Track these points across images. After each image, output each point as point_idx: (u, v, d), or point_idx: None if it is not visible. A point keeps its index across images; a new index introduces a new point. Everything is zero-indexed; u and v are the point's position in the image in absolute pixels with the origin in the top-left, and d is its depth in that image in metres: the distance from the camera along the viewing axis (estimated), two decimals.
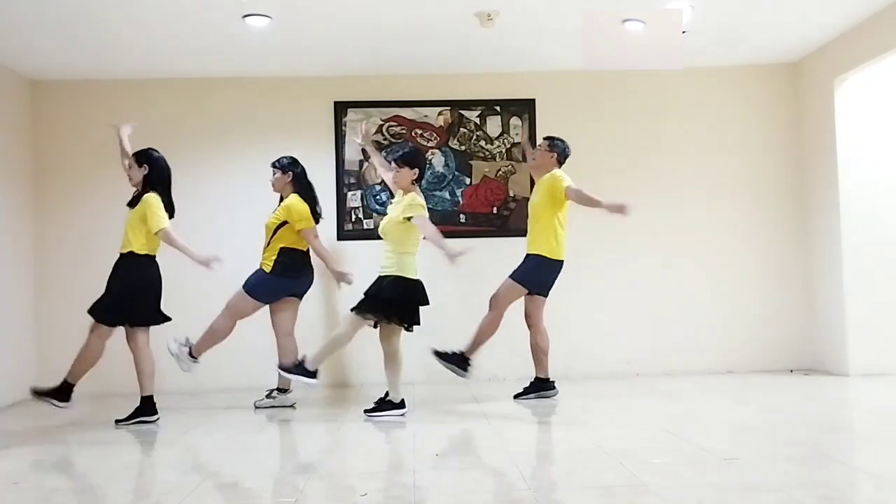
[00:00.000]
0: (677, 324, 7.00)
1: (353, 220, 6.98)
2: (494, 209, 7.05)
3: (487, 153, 7.08)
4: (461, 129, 7.08)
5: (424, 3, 5.51)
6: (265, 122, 6.98)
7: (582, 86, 7.10)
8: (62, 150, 6.90)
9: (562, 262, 5.71)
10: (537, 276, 5.71)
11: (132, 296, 5.24)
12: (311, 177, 5.96)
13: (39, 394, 5.29)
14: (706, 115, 7.16)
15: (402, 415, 5.25)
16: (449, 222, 6.82)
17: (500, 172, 7.06)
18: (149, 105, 6.95)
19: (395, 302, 5.21)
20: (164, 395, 5.67)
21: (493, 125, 7.09)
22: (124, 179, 5.62)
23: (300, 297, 5.89)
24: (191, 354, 5.64)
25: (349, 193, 6.99)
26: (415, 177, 5.39)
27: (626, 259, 7.02)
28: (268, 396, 5.83)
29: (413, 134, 7.05)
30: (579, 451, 4.27)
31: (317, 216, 5.83)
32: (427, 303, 5.32)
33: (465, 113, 7.08)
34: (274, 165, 5.88)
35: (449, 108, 7.08)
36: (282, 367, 5.42)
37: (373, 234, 6.85)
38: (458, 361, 5.63)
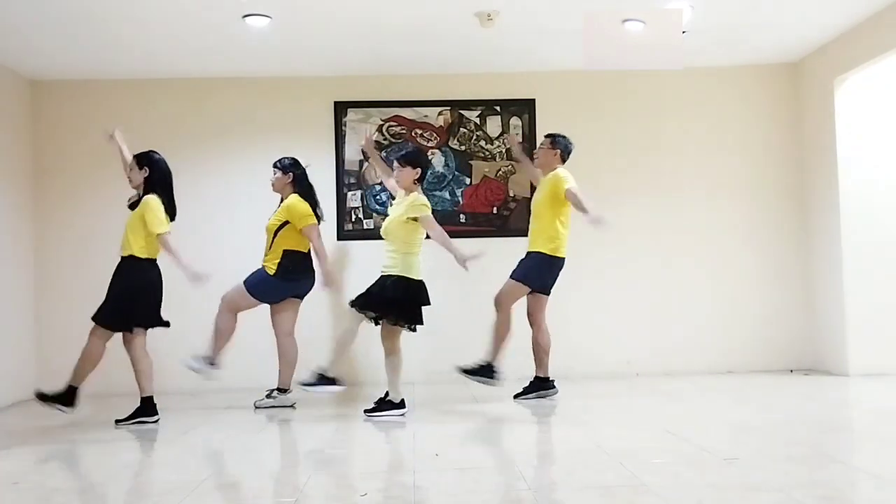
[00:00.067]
0: (677, 324, 7.01)
1: (353, 220, 6.98)
2: (494, 209, 7.05)
3: (487, 153, 7.08)
4: (461, 129, 7.08)
5: (424, 3, 5.51)
6: (265, 122, 6.98)
7: (582, 86, 7.10)
8: (62, 150, 6.90)
9: (563, 259, 5.71)
10: (538, 274, 5.71)
11: (132, 298, 5.23)
12: (311, 177, 5.96)
13: (45, 398, 5.28)
14: (706, 115, 7.16)
15: (402, 415, 5.25)
16: (449, 222, 6.80)
17: (500, 172, 7.06)
18: (149, 105, 6.95)
19: (398, 302, 5.20)
20: (164, 395, 5.66)
21: (493, 125, 7.09)
22: (124, 180, 5.62)
23: (301, 297, 5.89)
24: (211, 364, 5.66)
25: (349, 193, 6.99)
26: (416, 176, 5.38)
27: (626, 259, 7.02)
28: (268, 396, 5.83)
29: (413, 134, 7.05)
30: (579, 451, 4.27)
31: (317, 218, 5.83)
32: (429, 303, 5.31)
33: (465, 113, 7.09)
34: (275, 166, 5.88)
35: (449, 108, 7.08)
36: (304, 384, 5.36)
37: (373, 234, 6.85)
38: (484, 372, 5.64)
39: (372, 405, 5.33)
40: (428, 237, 5.37)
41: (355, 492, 3.47)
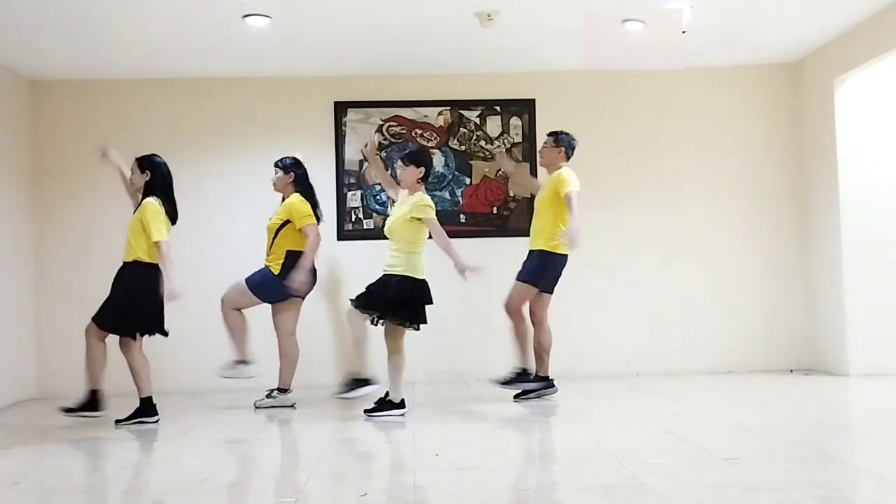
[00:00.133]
0: (677, 324, 7.00)
1: (353, 220, 6.98)
2: (494, 209, 7.05)
3: (487, 153, 7.08)
4: (461, 129, 7.08)
5: (424, 3, 5.51)
6: (265, 122, 6.98)
7: (582, 86, 7.10)
8: (62, 150, 6.89)
9: (565, 256, 5.70)
10: (543, 273, 5.69)
11: (135, 303, 5.19)
12: (311, 177, 5.96)
13: (71, 411, 5.28)
14: (706, 115, 7.16)
15: (403, 415, 5.25)
16: (449, 222, 6.79)
17: (500, 172, 7.05)
18: (149, 105, 6.95)
19: (403, 302, 5.18)
20: (164, 395, 5.66)
21: (493, 125, 7.09)
22: (124, 162, 5.62)
23: (303, 297, 5.88)
24: (243, 363, 5.69)
25: (349, 193, 6.99)
26: (420, 175, 5.37)
27: (626, 259, 7.02)
28: (268, 396, 5.83)
29: (413, 134, 7.05)
30: (579, 451, 4.27)
31: (317, 218, 5.82)
32: (432, 302, 5.30)
33: (465, 113, 7.09)
34: (276, 165, 5.88)
35: (449, 108, 7.08)
36: (340, 395, 5.33)
37: (373, 234, 6.86)
38: (521, 379, 5.68)
39: (372, 405, 5.32)
40: (454, 235, 5.36)
41: (355, 492, 3.47)
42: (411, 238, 5.25)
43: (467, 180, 7.06)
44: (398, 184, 5.64)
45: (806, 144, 7.04)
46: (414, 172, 5.37)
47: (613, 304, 7.00)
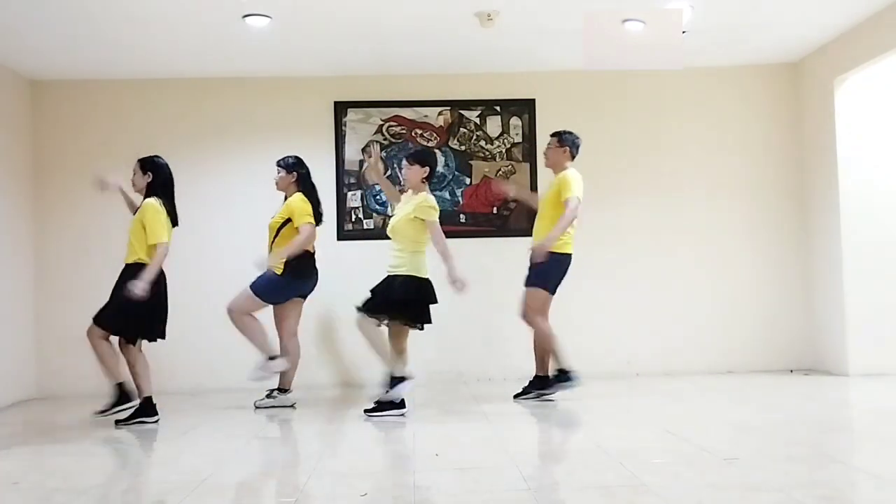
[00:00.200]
0: (677, 324, 7.01)
1: (353, 220, 6.98)
2: (494, 209, 7.05)
3: (487, 153, 7.08)
4: (461, 129, 7.08)
5: (424, 3, 5.51)
6: (265, 123, 6.98)
7: (582, 86, 7.10)
8: (62, 150, 6.90)
9: (569, 255, 5.69)
10: (551, 275, 5.68)
11: (138, 307, 5.18)
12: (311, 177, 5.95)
13: (105, 412, 5.25)
14: (706, 115, 7.16)
15: (402, 415, 5.25)
16: (449, 222, 6.80)
17: (500, 172, 7.06)
18: (149, 105, 6.95)
19: (409, 302, 5.17)
20: (164, 395, 5.67)
21: (493, 125, 7.09)
22: (124, 180, 5.61)
23: (305, 297, 5.88)
24: (271, 359, 5.66)
25: (349, 193, 6.99)
26: (425, 175, 5.36)
27: (626, 259, 7.02)
28: (268, 396, 5.83)
29: (413, 134, 7.05)
30: (579, 451, 4.27)
31: (319, 218, 5.81)
32: (436, 301, 5.27)
33: (465, 113, 7.09)
34: (279, 164, 5.85)
35: (449, 108, 7.08)
36: (372, 413, 5.25)
37: (373, 234, 6.86)
38: (560, 380, 5.67)
39: (372, 405, 5.32)
40: (453, 235, 5.35)
41: (355, 492, 3.46)
42: (415, 238, 5.23)
43: (467, 180, 7.06)
44: (397, 184, 5.63)
45: (806, 144, 7.05)
46: (418, 172, 5.35)
47: (613, 304, 7.00)
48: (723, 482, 3.47)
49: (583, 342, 6.84)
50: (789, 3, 5.71)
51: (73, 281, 6.75)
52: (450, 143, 7.05)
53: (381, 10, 5.58)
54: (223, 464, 4.15)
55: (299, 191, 5.77)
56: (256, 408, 5.77)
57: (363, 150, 6.95)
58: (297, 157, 5.87)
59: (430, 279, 5.28)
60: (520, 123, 7.09)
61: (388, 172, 6.99)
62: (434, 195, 6.85)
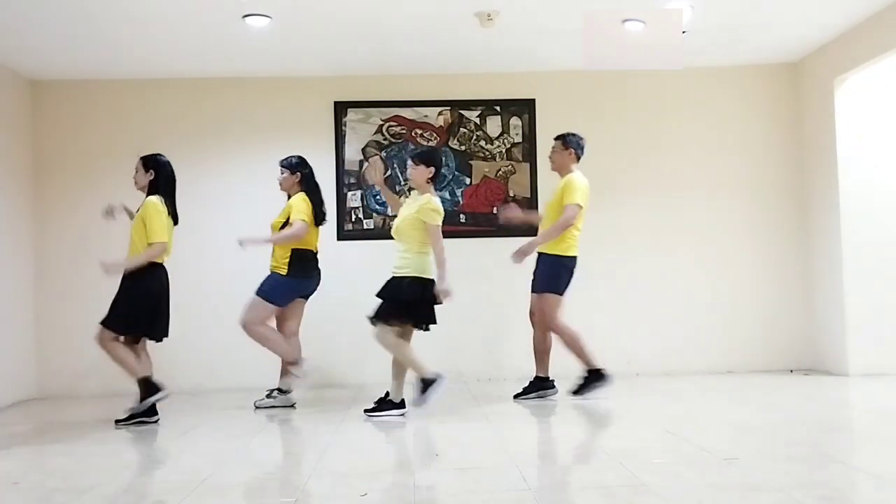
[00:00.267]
0: (677, 324, 7.01)
1: (353, 220, 6.98)
2: (494, 209, 7.04)
3: (487, 153, 7.08)
4: (461, 129, 7.08)
5: (424, 4, 5.51)
6: (265, 123, 6.98)
7: (582, 86, 7.10)
8: (62, 150, 6.90)
9: (575, 258, 5.70)
10: (559, 278, 5.68)
11: (144, 306, 5.16)
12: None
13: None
14: (706, 115, 7.16)
15: (402, 415, 5.25)
16: (449, 222, 6.78)
17: (500, 172, 7.06)
18: (149, 105, 6.95)
19: (415, 304, 5.14)
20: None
21: (493, 125, 7.09)
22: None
23: (307, 297, 5.87)
24: (293, 364, 5.67)
25: (349, 193, 6.99)
26: (430, 175, 5.31)
27: (626, 259, 7.02)
28: (268, 396, 5.83)
29: (413, 134, 7.05)
30: (579, 451, 4.27)
31: (321, 217, 5.79)
32: (441, 301, 5.27)
33: (465, 113, 7.09)
34: (282, 164, 5.82)
35: (449, 108, 7.08)
36: (416, 404, 5.21)
37: (373, 234, 6.87)
38: (591, 381, 5.70)
39: (372, 405, 5.32)
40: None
41: (355, 492, 3.46)
42: (419, 238, 5.18)
43: (467, 180, 7.06)
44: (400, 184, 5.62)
45: (806, 144, 7.05)
46: (423, 172, 5.32)
47: (613, 304, 7.00)
48: (723, 482, 3.47)
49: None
50: (789, 3, 5.71)
51: (73, 281, 6.75)
52: (450, 143, 7.05)
53: (381, 10, 5.58)
54: (223, 464, 4.15)
55: (302, 190, 5.74)
56: (256, 408, 5.77)
57: (363, 159, 6.94)
58: (300, 157, 5.84)
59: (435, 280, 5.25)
60: (520, 123, 7.09)
61: (389, 173, 6.99)
62: None
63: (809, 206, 7.01)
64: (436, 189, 6.90)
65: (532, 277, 5.82)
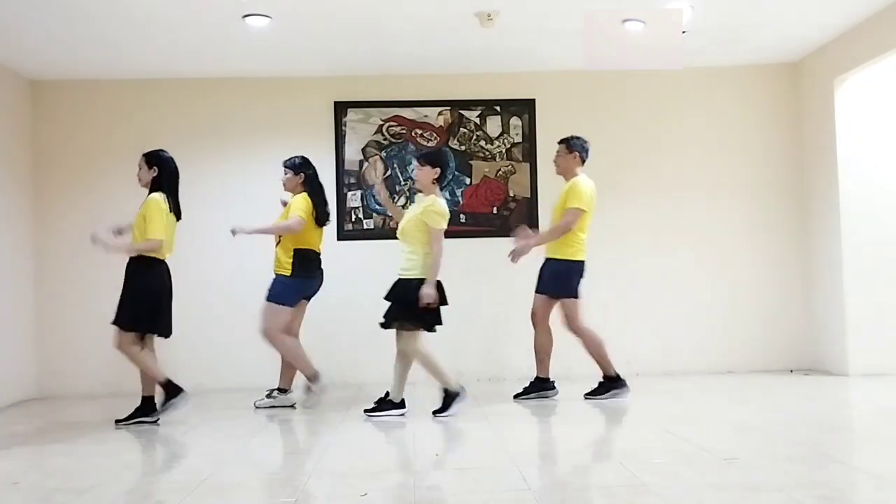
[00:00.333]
0: (677, 324, 7.01)
1: (353, 220, 6.98)
2: (494, 209, 7.04)
3: (487, 153, 7.08)
4: (461, 129, 7.08)
5: (424, 4, 5.51)
6: (265, 123, 6.97)
7: (582, 86, 7.10)
8: (62, 150, 6.90)
9: (583, 262, 5.71)
10: (570, 282, 5.68)
11: (151, 302, 5.15)
12: None
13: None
14: (706, 115, 7.16)
15: (402, 415, 5.24)
16: (449, 222, 6.80)
17: (500, 172, 7.06)
18: (148, 105, 6.95)
19: (427, 305, 5.10)
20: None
21: (493, 125, 7.09)
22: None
23: (309, 298, 5.85)
24: (314, 380, 5.63)
25: (349, 193, 6.99)
26: (436, 176, 5.29)
27: (626, 259, 7.02)
28: (268, 396, 5.82)
29: (413, 134, 7.05)
30: (579, 451, 4.27)
31: (325, 217, 5.77)
32: (447, 302, 5.22)
33: (465, 113, 7.08)
34: (286, 165, 5.79)
35: (449, 108, 7.08)
36: (437, 412, 5.19)
37: (373, 234, 6.87)
38: (608, 387, 5.72)
39: (372, 405, 5.32)
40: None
41: (355, 492, 3.46)
42: (425, 240, 5.15)
43: (467, 180, 7.06)
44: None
45: (806, 144, 7.04)
46: (429, 173, 5.30)
47: (613, 304, 6.98)
48: (723, 482, 3.47)
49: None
50: (789, 3, 5.71)
51: (74, 281, 6.75)
52: (450, 143, 7.05)
53: (381, 10, 5.58)
54: (223, 464, 4.15)
55: (305, 191, 5.72)
56: (256, 408, 5.77)
57: (363, 159, 6.94)
58: (303, 158, 5.80)
59: (441, 281, 5.24)
60: (520, 123, 7.09)
61: (388, 173, 6.99)
62: None
63: (809, 206, 7.01)
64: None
65: (538, 279, 5.80)
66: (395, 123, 7.04)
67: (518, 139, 7.07)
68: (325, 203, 5.80)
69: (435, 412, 5.19)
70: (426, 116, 7.06)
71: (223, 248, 6.77)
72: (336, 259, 6.62)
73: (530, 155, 7.05)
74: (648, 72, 6.98)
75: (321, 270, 5.80)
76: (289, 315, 5.65)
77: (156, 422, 5.23)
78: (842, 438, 4.54)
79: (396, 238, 5.35)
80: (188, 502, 3.38)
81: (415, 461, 4.16)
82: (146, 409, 5.25)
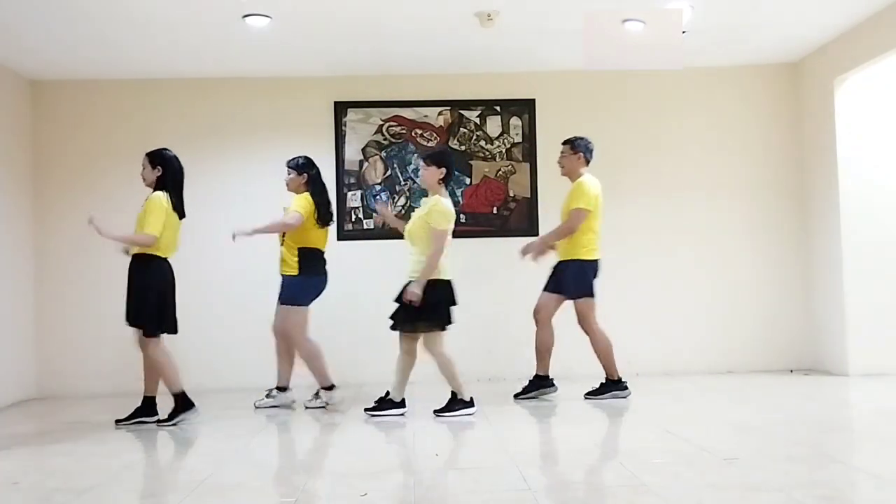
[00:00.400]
0: (677, 324, 7.01)
1: (353, 220, 6.98)
2: (494, 209, 7.04)
3: (487, 153, 7.08)
4: (461, 129, 7.08)
5: (424, 4, 5.51)
6: (265, 123, 6.97)
7: (582, 86, 7.09)
8: (62, 150, 6.89)
9: (597, 261, 5.73)
10: (586, 278, 5.70)
11: (158, 300, 5.14)
12: None
13: (165, 421, 5.18)
14: (706, 115, 7.15)
15: (402, 414, 5.24)
16: None
17: (500, 172, 7.06)
18: (148, 105, 6.95)
19: (437, 305, 5.10)
20: (164, 395, 5.65)
21: (493, 125, 7.09)
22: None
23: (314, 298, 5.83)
24: (328, 389, 5.62)
25: (349, 193, 6.99)
26: (441, 176, 5.29)
27: (626, 259, 7.02)
28: (267, 396, 5.82)
29: (413, 134, 7.05)
30: (579, 451, 4.27)
31: (328, 218, 5.76)
32: (456, 302, 5.20)
33: (465, 113, 7.08)
34: (289, 165, 5.76)
35: (449, 108, 7.08)
36: (439, 414, 5.18)
37: (373, 234, 6.87)
38: (611, 388, 5.74)
39: (372, 404, 5.32)
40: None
41: (355, 492, 3.46)
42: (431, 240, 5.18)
43: (467, 180, 7.06)
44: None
45: (806, 144, 7.04)
46: (435, 173, 5.29)
47: (613, 304, 6.97)
48: (723, 482, 3.47)
49: (582, 342, 6.84)
50: (789, 3, 5.71)
51: (74, 281, 6.75)
52: (450, 143, 7.05)
53: (381, 10, 5.58)
54: (223, 464, 4.15)
55: (308, 191, 5.71)
56: (256, 408, 5.76)
57: (363, 159, 6.94)
58: (306, 158, 5.78)
59: (451, 280, 5.22)
60: (520, 123, 7.09)
61: (388, 173, 7.00)
62: None
63: (809, 206, 7.01)
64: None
65: (549, 279, 5.80)
66: (395, 123, 7.04)
67: (518, 139, 7.07)
68: (329, 203, 5.80)
69: (437, 411, 5.19)
70: (426, 116, 7.06)
71: (223, 248, 6.76)
72: (336, 259, 6.60)
73: (530, 155, 7.05)
74: (648, 72, 6.98)
75: (326, 271, 5.78)
76: (306, 314, 5.64)
77: (156, 422, 5.23)
78: (842, 438, 4.54)
79: (396, 238, 5.35)
80: (188, 502, 3.38)
81: (415, 461, 4.16)
82: (147, 409, 5.25)
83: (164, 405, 5.39)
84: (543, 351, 5.81)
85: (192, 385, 6.52)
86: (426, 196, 5.61)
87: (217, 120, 6.97)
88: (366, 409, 5.29)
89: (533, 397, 5.80)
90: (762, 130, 7.16)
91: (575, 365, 6.72)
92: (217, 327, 6.74)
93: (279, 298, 5.66)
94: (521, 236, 6.48)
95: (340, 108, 7.01)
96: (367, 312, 6.66)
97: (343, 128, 7.01)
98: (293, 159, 5.78)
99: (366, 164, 6.96)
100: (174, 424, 5.15)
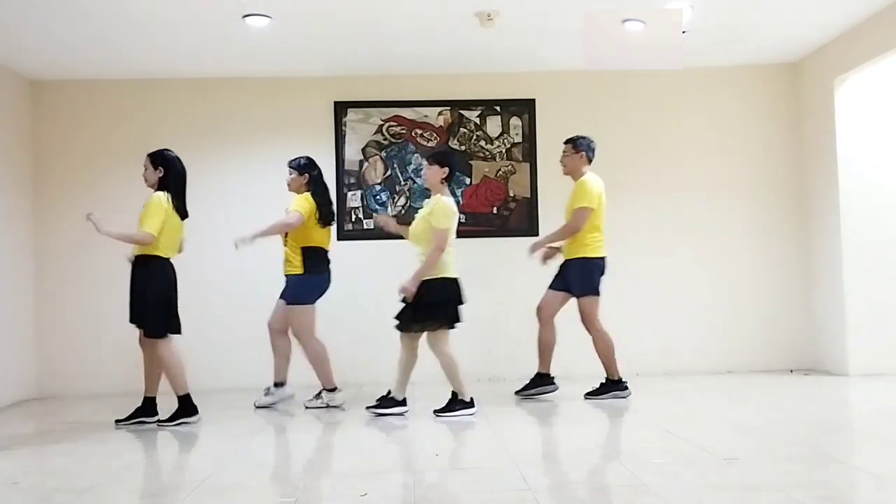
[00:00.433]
0: (677, 324, 7.00)
1: (353, 220, 6.98)
2: (494, 209, 7.04)
3: (487, 153, 7.08)
4: (461, 129, 7.08)
5: (424, 4, 5.51)
6: (265, 123, 6.97)
7: (582, 86, 7.09)
8: (62, 150, 6.90)
9: (603, 258, 5.74)
10: (592, 276, 5.71)
11: (163, 302, 5.14)
12: None
13: (165, 422, 5.18)
14: (706, 115, 7.15)
15: (403, 413, 5.25)
16: None
17: (500, 172, 7.06)
18: (148, 105, 6.95)
19: (445, 304, 5.10)
20: (164, 395, 5.65)
21: (493, 125, 7.09)
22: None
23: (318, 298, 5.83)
24: (331, 391, 5.62)
25: (349, 193, 6.99)
26: (444, 175, 5.29)
27: (626, 259, 7.00)
28: (266, 395, 5.82)
29: (413, 134, 7.04)
30: (579, 451, 4.27)
31: (330, 217, 5.76)
32: (464, 301, 5.20)
33: (465, 113, 7.08)
34: (290, 165, 5.76)
35: (449, 108, 7.08)
36: (439, 414, 5.19)
37: (373, 234, 6.86)
38: (611, 388, 5.75)
39: (374, 402, 5.31)
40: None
41: (355, 492, 3.46)
42: None
43: (467, 180, 7.06)
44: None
45: (806, 144, 7.04)
46: (437, 172, 5.30)
47: (613, 304, 6.97)
48: (723, 482, 3.47)
49: (582, 342, 6.84)
50: (789, 3, 5.71)
51: (74, 281, 6.75)
52: (450, 143, 7.05)
53: (381, 10, 5.58)
54: (223, 464, 4.15)
55: (309, 191, 5.70)
56: (256, 408, 5.76)
57: (363, 159, 6.93)
58: (308, 158, 5.78)
59: (458, 279, 5.21)
60: (520, 123, 7.09)
61: (388, 172, 7.00)
62: None
63: (809, 206, 7.01)
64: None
65: (555, 277, 5.80)
66: (395, 123, 7.04)
67: (518, 139, 7.07)
68: (330, 203, 5.80)
69: (437, 411, 5.19)
70: (426, 116, 7.06)
71: (223, 248, 6.75)
72: (336, 259, 6.60)
73: (530, 155, 7.05)
74: (648, 72, 6.98)
75: (329, 270, 5.77)
76: (313, 314, 5.64)
77: (156, 422, 5.23)
78: (842, 438, 4.54)
79: (396, 238, 5.35)
80: (188, 502, 3.38)
81: (415, 461, 4.16)
82: (147, 410, 5.25)
83: (165, 405, 5.39)
84: (545, 349, 5.82)
85: (193, 385, 6.54)
86: (427, 196, 5.60)
87: (217, 120, 6.97)
88: (368, 407, 5.30)
89: (533, 395, 5.80)
90: (762, 130, 7.16)
91: (575, 365, 6.73)
92: (217, 327, 6.73)
93: (285, 299, 5.66)
94: (521, 236, 6.48)
95: (340, 108, 7.01)
96: (367, 312, 6.67)
97: (343, 128, 7.01)
98: (295, 159, 5.77)
99: (366, 164, 6.96)
100: (175, 425, 5.15)
